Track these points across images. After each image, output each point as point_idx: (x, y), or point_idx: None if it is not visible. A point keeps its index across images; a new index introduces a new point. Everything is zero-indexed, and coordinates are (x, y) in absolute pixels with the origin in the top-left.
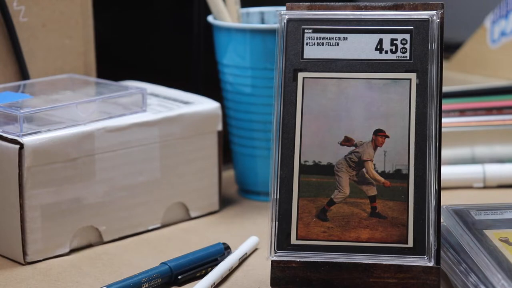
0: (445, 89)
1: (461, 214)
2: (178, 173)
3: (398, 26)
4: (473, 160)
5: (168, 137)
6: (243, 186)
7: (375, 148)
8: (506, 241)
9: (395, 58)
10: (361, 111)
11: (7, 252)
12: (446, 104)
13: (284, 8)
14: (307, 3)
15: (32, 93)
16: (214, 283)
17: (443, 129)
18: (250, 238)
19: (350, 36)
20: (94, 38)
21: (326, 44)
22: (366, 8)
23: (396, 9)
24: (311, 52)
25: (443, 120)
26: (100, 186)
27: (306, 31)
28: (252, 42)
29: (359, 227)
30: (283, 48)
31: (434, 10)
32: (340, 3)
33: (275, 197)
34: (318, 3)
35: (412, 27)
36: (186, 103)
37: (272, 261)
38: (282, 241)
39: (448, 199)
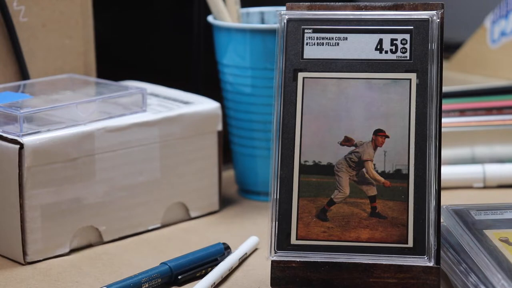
0: (445, 89)
1: (461, 214)
2: (178, 173)
3: (398, 26)
4: (473, 160)
5: (168, 137)
6: (243, 186)
7: (375, 148)
8: (506, 241)
9: (395, 58)
10: (361, 111)
11: (7, 252)
12: (446, 104)
13: (284, 8)
14: (307, 3)
15: (32, 93)
16: (214, 283)
17: (443, 129)
18: (250, 238)
19: (350, 36)
20: (94, 38)
21: (326, 44)
22: (366, 8)
23: (396, 9)
24: (311, 52)
25: (443, 120)
26: (100, 186)
27: (306, 31)
28: (252, 42)
29: (359, 227)
30: (283, 48)
31: (434, 10)
32: (340, 3)
33: (275, 197)
34: (318, 3)
35: (412, 27)
36: (186, 103)
37: (272, 261)
38: (282, 241)
39: (448, 199)
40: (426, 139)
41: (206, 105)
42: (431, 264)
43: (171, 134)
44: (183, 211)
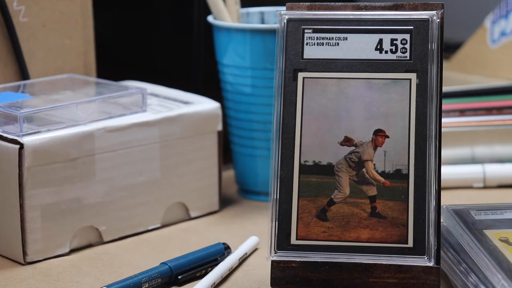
0: (445, 89)
1: (461, 214)
2: (178, 173)
3: (398, 26)
4: (473, 160)
5: (168, 137)
6: (243, 186)
7: (375, 148)
8: (506, 241)
9: (395, 58)
10: (361, 111)
11: (7, 252)
12: (446, 104)
13: (284, 8)
14: (307, 3)
15: (32, 93)
16: (214, 283)
17: (443, 129)
18: (250, 238)
19: (350, 36)
20: (94, 38)
21: (326, 44)
22: (366, 8)
23: (396, 9)
24: (311, 52)
25: (443, 120)
26: (100, 186)
27: (306, 31)
28: (252, 42)
29: (359, 227)
30: (283, 48)
31: (434, 10)
32: (340, 3)
33: (275, 197)
34: (318, 3)
35: (412, 27)
36: (186, 103)
37: (272, 261)
38: (282, 241)
39: (448, 199)
40: (426, 139)
41: (206, 105)
42: (431, 264)
43: (171, 134)
44: (183, 211)
